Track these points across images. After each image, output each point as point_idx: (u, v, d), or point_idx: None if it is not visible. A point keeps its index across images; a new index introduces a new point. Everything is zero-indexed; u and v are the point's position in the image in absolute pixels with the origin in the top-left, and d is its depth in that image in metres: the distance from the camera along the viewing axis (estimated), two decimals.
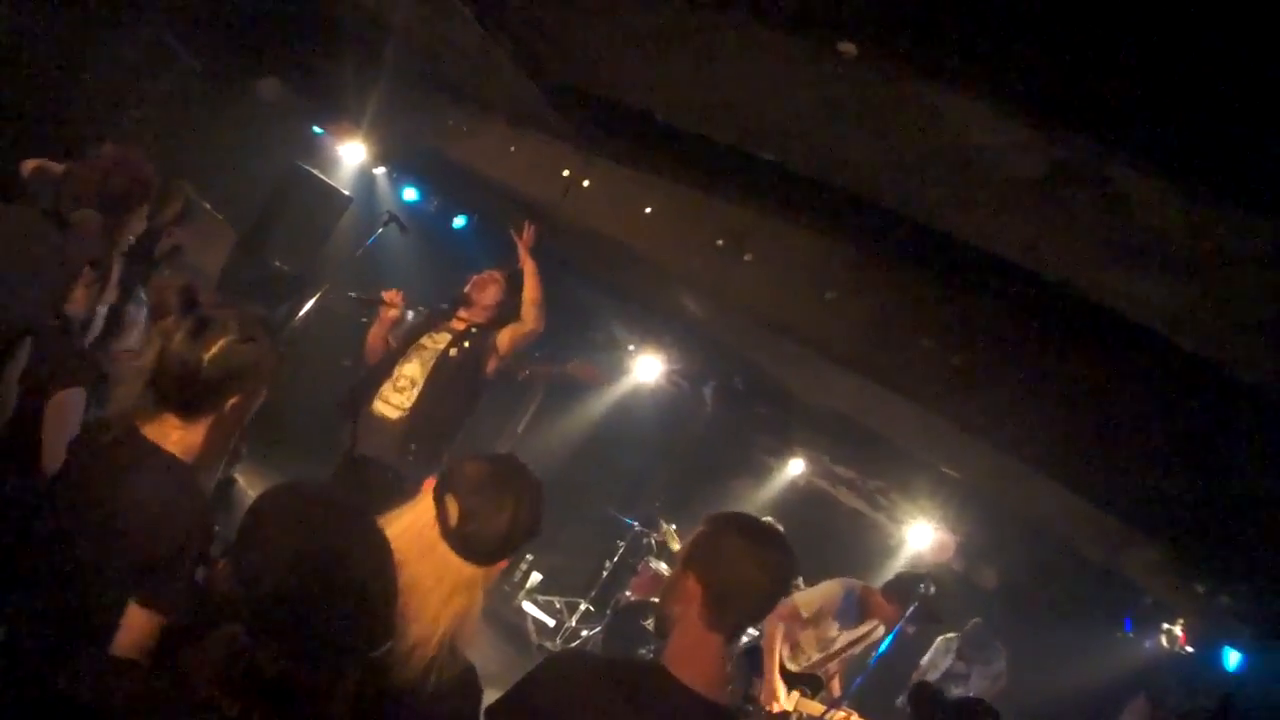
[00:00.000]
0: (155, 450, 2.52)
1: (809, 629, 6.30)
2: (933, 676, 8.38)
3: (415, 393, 5.24)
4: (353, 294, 6.05)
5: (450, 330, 5.39)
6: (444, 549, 2.27)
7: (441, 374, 5.26)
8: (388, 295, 5.63)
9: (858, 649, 6.32)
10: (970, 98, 3.12)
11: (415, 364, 5.30)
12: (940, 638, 8.46)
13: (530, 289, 5.39)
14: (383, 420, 5.19)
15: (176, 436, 2.55)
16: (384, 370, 5.33)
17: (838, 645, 6.34)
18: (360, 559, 1.82)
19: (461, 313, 5.48)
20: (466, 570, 2.28)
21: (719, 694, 2.29)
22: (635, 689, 2.27)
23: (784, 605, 6.27)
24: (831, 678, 6.41)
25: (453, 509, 2.28)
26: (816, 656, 6.36)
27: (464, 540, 2.26)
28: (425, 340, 5.36)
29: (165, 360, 2.53)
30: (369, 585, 1.82)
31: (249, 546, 1.83)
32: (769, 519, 8.50)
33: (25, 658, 2.36)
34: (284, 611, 1.74)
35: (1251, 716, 4.37)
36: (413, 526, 2.30)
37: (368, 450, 5.16)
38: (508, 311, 5.53)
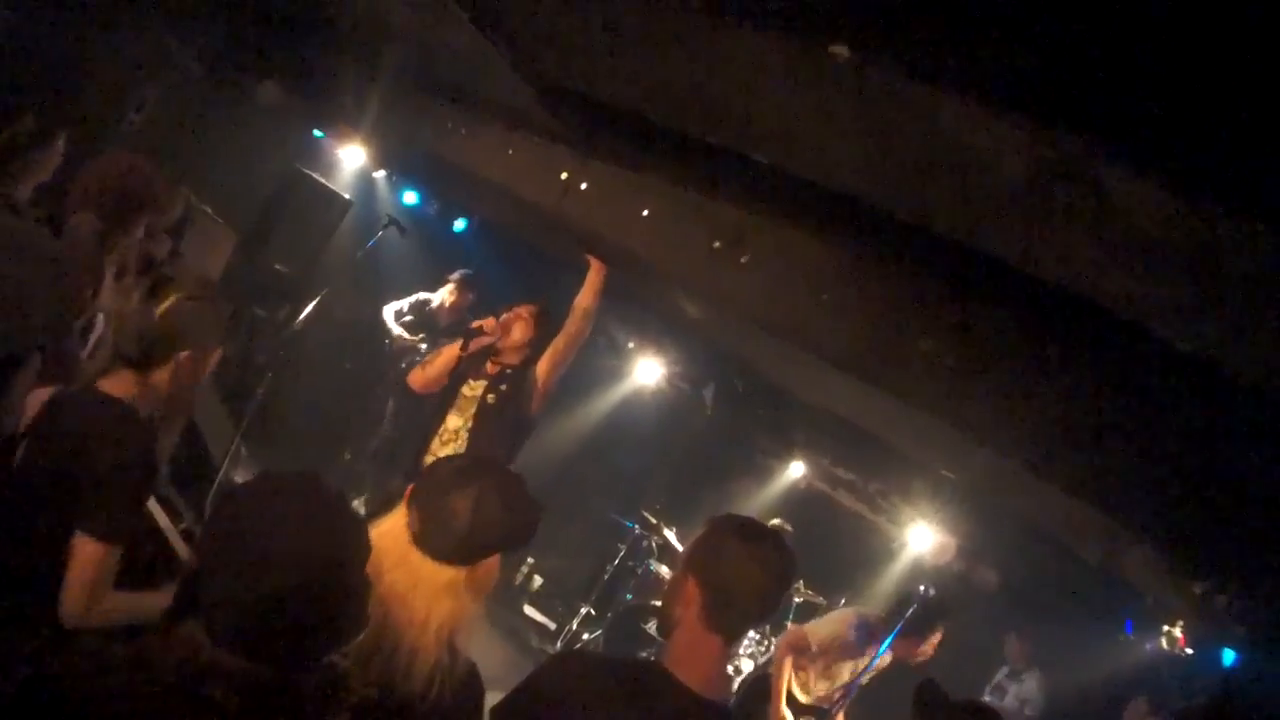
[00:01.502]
0: (98, 393, 2.66)
1: (818, 661, 6.28)
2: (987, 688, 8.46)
3: (460, 444, 5.22)
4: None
5: (486, 376, 5.35)
6: (417, 555, 2.29)
7: (484, 422, 5.24)
8: (484, 324, 5.52)
9: (865, 679, 6.28)
10: (961, 99, 3.12)
11: (456, 415, 5.28)
12: None
13: (585, 296, 5.34)
14: None
15: (135, 391, 2.70)
16: (430, 426, 5.32)
17: (843, 680, 6.30)
18: (326, 557, 1.80)
19: (493, 359, 5.44)
20: (444, 573, 2.29)
21: (719, 694, 2.32)
22: (636, 688, 2.30)
23: (794, 634, 6.27)
24: (837, 712, 6.35)
25: (415, 514, 2.30)
26: (824, 689, 6.33)
27: (428, 543, 2.28)
28: (465, 389, 5.34)
29: (124, 317, 2.68)
30: (333, 584, 1.81)
31: (210, 545, 1.84)
32: (778, 521, 8.55)
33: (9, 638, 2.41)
34: (242, 612, 1.74)
35: (1247, 714, 4.37)
36: (388, 534, 2.32)
37: None
38: (541, 349, 5.49)
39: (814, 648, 6.13)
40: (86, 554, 2.52)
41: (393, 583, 2.24)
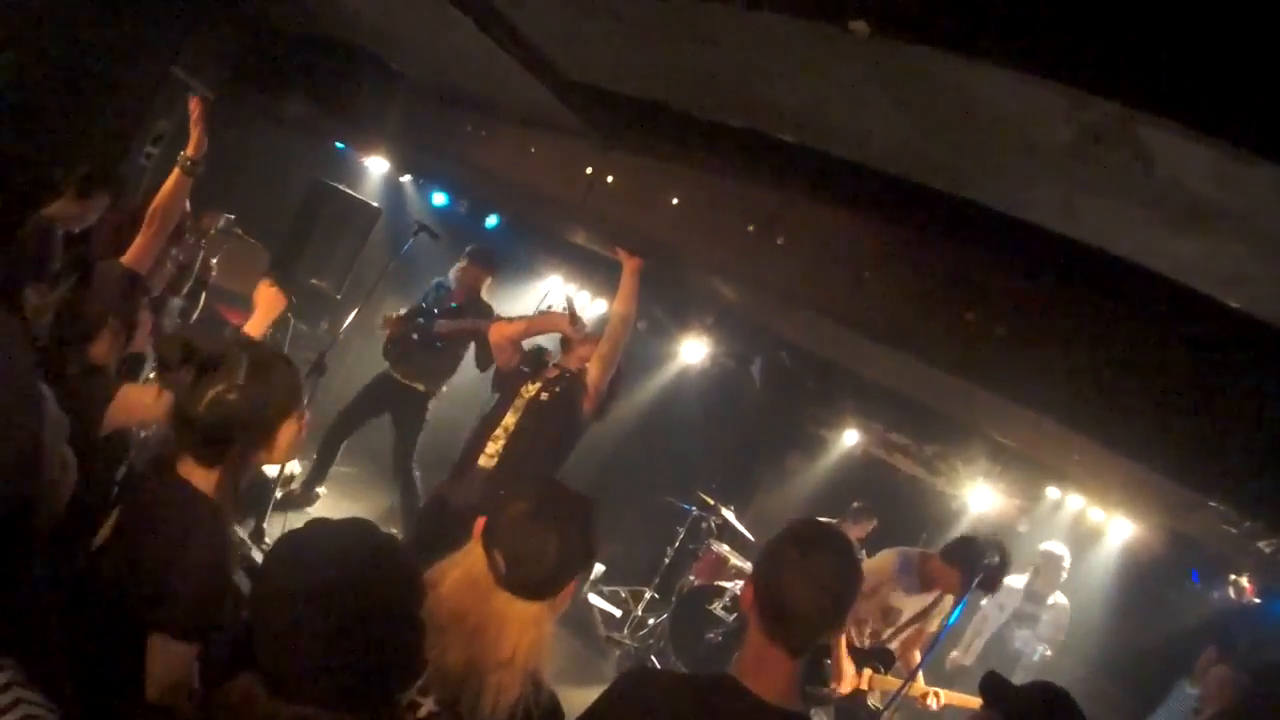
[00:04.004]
0: (181, 484, 2.55)
1: (868, 601, 6.20)
2: (998, 620, 8.25)
3: (505, 439, 5.32)
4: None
5: (543, 378, 5.46)
6: (503, 595, 2.27)
7: (531, 417, 5.32)
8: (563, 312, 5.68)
9: (931, 623, 6.19)
10: (989, 66, 3.01)
11: (512, 415, 5.38)
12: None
13: (620, 302, 5.37)
14: (480, 470, 5.28)
15: (199, 476, 2.58)
16: (491, 425, 5.41)
17: (905, 616, 6.23)
18: (380, 602, 1.79)
19: (560, 359, 5.60)
20: (530, 608, 2.28)
21: (792, 702, 2.24)
22: (710, 703, 2.25)
23: None
24: (907, 651, 6.30)
25: (499, 557, 2.28)
26: (884, 630, 6.25)
27: (517, 584, 2.26)
28: (524, 389, 5.43)
29: (174, 410, 2.57)
30: (388, 629, 1.80)
31: (261, 596, 1.81)
32: (858, 504, 8.42)
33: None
34: (298, 661, 1.72)
35: None
36: (467, 577, 2.32)
37: (459, 500, 5.22)
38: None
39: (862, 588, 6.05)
40: (169, 654, 2.43)
41: (480, 625, 2.23)
